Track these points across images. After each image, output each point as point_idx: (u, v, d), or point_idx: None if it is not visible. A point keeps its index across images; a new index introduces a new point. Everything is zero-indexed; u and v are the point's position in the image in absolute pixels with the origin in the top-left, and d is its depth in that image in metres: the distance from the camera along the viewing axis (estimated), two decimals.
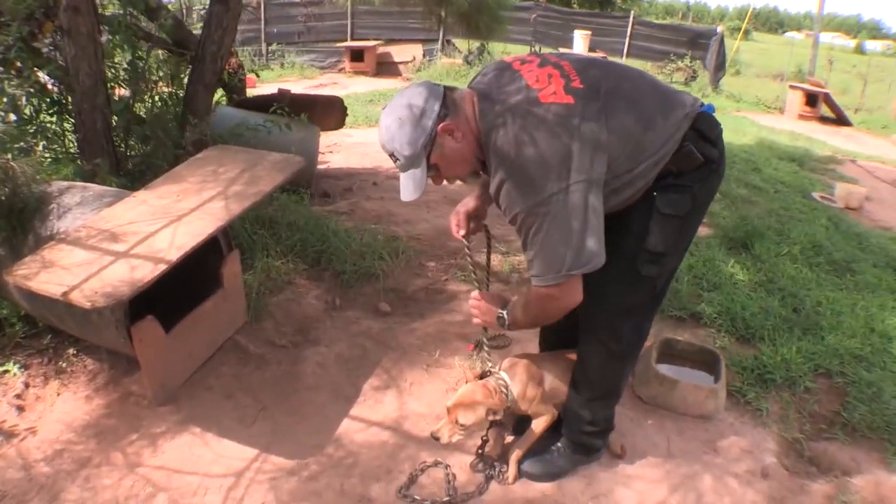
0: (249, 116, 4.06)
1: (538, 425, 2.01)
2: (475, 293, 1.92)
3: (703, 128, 1.62)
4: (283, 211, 3.56)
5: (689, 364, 2.67)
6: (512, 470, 2.02)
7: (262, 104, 4.31)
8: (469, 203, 1.95)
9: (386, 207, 4.36)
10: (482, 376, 1.96)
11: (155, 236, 2.13)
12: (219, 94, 5.40)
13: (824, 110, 10.73)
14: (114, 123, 3.23)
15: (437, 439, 1.84)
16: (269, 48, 13.06)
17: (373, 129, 7.23)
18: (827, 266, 3.84)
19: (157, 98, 3.74)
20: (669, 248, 1.69)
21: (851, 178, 6.51)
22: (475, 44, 12.54)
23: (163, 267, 1.91)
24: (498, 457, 2.09)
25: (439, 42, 12.43)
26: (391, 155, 1.58)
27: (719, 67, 12.59)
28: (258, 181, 2.51)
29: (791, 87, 11.27)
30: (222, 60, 3.77)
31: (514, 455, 2.03)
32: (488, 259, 2.16)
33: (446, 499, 1.92)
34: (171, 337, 2.31)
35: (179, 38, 4.02)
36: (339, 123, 5.15)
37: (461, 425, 1.82)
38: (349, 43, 12.62)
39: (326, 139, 6.42)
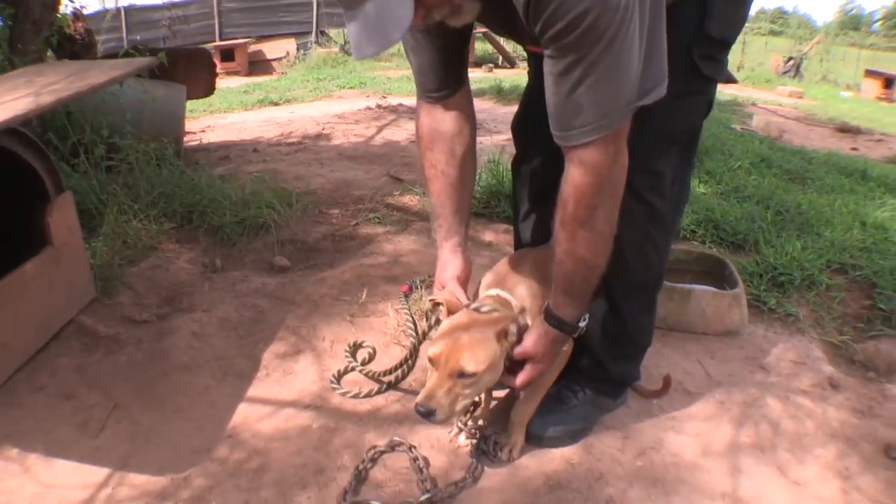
0: None
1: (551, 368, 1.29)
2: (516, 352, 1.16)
3: None
4: (141, 165, 2.65)
5: (689, 277, 2.08)
6: (518, 438, 1.31)
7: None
8: (456, 266, 1.31)
9: (270, 167, 3.47)
10: (451, 312, 1.20)
11: None
12: None
13: None
14: None
15: (429, 415, 1.04)
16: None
17: (250, 111, 6.28)
18: (784, 175, 3.48)
19: None
20: (734, 32, 1.16)
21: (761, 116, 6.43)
22: None
23: None
24: (488, 422, 1.38)
25: (313, 34, 11.65)
26: None
27: None
28: (87, 78, 1.71)
29: None
30: None
31: (519, 416, 1.31)
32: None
33: (424, 497, 1.17)
34: None
35: None
36: (209, 88, 4.23)
37: (470, 376, 1.06)
38: (218, 43, 11.54)
39: (198, 123, 5.44)
